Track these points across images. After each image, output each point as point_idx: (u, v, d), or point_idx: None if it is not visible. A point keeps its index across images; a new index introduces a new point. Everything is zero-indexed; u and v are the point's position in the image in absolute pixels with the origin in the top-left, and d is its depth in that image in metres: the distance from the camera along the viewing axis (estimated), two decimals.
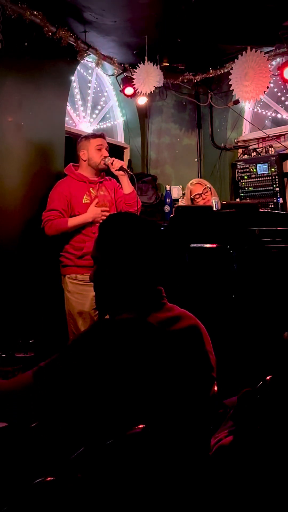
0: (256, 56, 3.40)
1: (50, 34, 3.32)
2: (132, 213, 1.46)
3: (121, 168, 2.98)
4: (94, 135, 3.10)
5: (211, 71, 4.20)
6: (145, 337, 1.16)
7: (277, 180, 4.04)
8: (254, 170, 4.18)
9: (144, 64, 3.88)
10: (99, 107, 4.54)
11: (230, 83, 3.52)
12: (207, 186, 3.44)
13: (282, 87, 4.19)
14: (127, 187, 3.05)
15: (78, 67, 3.97)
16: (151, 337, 1.16)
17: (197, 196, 3.42)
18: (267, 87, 3.44)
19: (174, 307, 1.28)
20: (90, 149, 3.02)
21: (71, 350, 1.15)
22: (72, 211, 2.93)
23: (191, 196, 3.46)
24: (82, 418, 1.14)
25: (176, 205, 3.46)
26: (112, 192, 3.09)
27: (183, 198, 4.27)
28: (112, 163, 2.99)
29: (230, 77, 3.53)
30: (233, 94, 3.62)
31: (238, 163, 4.34)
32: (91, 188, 3.00)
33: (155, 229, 1.36)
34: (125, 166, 3.04)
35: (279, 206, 4.01)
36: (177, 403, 1.13)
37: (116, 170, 3.00)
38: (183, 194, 4.62)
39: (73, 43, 3.59)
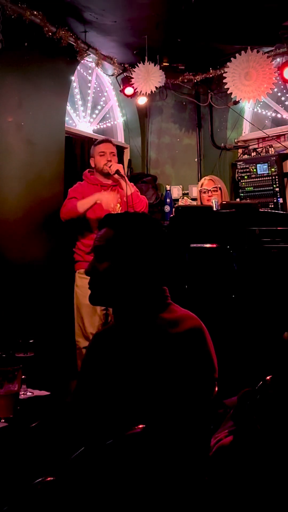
0: (259, 57, 3.40)
1: (50, 34, 3.32)
2: (140, 213, 1.44)
3: (116, 172, 3.02)
4: (98, 142, 3.16)
5: (211, 71, 4.20)
6: (149, 339, 1.16)
7: (277, 180, 4.04)
8: (254, 170, 4.18)
9: (144, 64, 3.88)
10: (99, 107, 4.54)
11: (224, 81, 3.52)
12: (218, 186, 3.31)
13: (282, 87, 4.19)
14: (126, 189, 3.07)
15: (78, 67, 3.97)
16: (155, 339, 1.16)
17: (204, 191, 3.31)
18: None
19: (177, 308, 1.28)
20: (96, 156, 3.10)
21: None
22: None
23: (200, 188, 3.35)
24: (84, 417, 1.14)
25: (176, 205, 3.45)
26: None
27: (183, 198, 4.26)
28: (110, 167, 3.02)
29: (225, 75, 3.52)
30: (228, 92, 3.63)
31: (238, 163, 4.34)
32: (102, 191, 3.06)
33: (161, 227, 1.35)
34: (122, 170, 3.05)
35: (279, 206, 4.01)
36: (178, 404, 1.13)
37: (113, 174, 3.03)
38: (183, 194, 4.62)
39: (73, 43, 3.59)
